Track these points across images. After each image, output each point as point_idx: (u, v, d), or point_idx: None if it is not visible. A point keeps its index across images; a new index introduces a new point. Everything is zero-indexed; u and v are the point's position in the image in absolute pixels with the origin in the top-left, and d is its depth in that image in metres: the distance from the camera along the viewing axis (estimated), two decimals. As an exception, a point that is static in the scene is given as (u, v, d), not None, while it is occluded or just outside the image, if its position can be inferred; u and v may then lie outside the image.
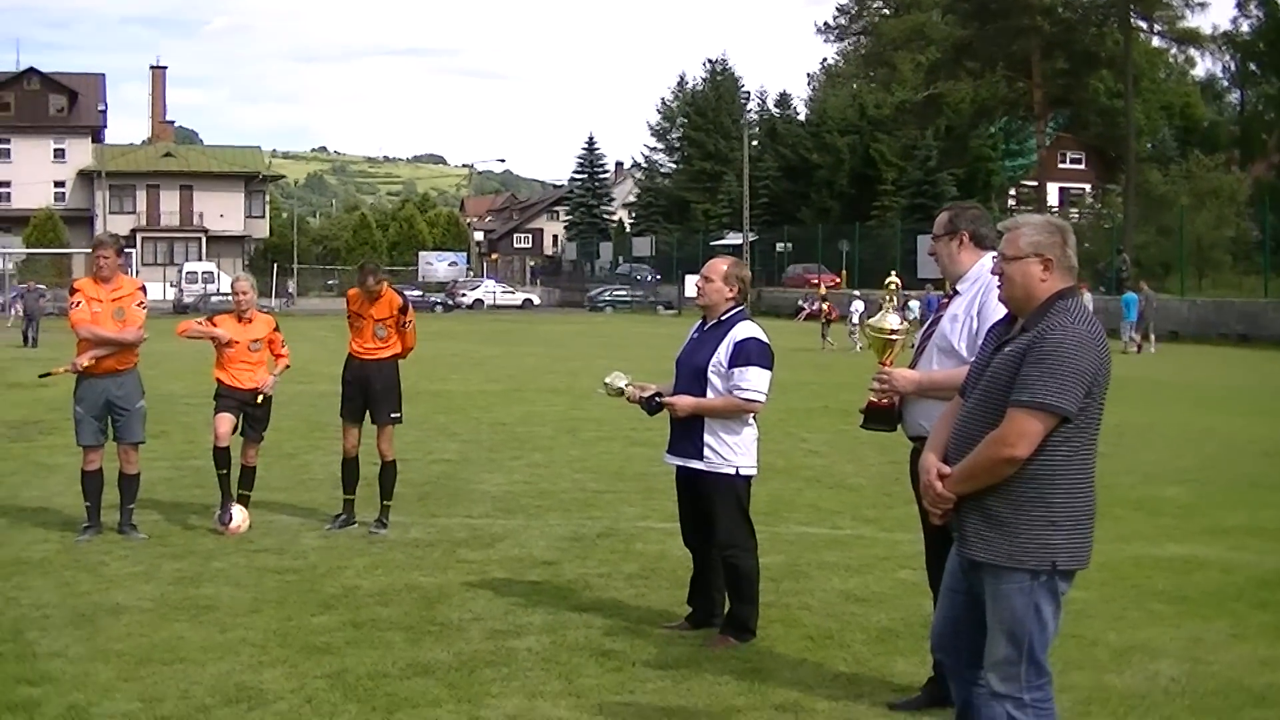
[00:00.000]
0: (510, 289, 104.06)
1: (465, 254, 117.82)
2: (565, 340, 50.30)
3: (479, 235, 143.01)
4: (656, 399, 8.71)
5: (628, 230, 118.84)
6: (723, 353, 8.44)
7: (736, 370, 8.37)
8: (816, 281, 67.45)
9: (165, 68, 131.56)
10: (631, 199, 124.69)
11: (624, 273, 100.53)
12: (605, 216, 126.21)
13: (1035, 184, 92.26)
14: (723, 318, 8.59)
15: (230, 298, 12.65)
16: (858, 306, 47.85)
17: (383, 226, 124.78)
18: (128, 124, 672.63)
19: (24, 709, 7.20)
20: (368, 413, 12.52)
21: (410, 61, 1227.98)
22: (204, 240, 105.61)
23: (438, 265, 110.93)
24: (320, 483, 13.27)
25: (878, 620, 9.14)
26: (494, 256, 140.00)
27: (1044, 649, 5.51)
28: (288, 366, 12.86)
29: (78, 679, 7.73)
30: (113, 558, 10.97)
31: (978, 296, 6.98)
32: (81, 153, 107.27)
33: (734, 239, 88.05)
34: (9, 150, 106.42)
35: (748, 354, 8.40)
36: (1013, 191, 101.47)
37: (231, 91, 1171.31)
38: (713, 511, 8.55)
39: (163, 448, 17.15)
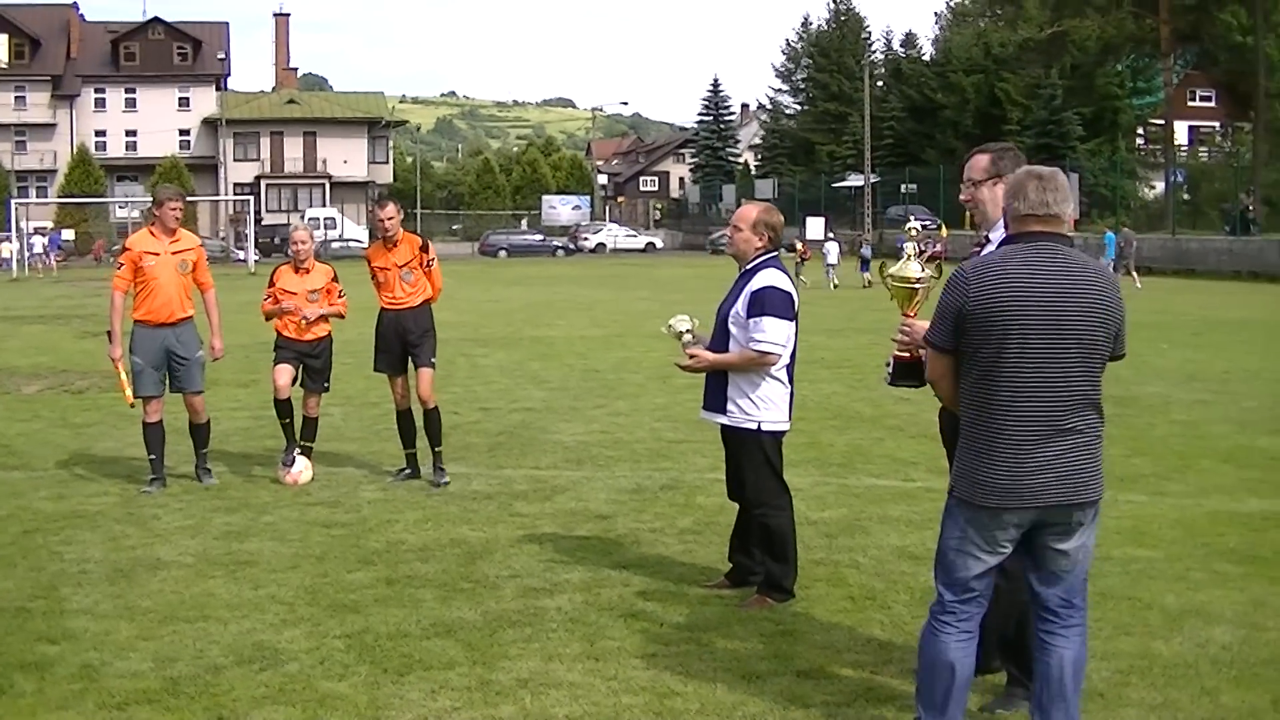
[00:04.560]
0: (633, 232, 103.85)
1: (589, 197, 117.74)
2: (680, 284, 50.04)
3: (605, 178, 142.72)
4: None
5: (752, 173, 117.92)
6: (741, 303, 8.16)
7: (752, 320, 8.07)
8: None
9: (288, 15, 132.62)
10: (757, 141, 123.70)
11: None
12: (731, 159, 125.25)
13: (1163, 122, 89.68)
14: (749, 266, 8.30)
15: (293, 248, 12.52)
16: (830, 248, 51.71)
17: (506, 170, 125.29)
18: (254, 72, 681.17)
19: (37, 668, 7.15)
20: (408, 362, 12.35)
21: (540, 3, 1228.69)
22: (327, 186, 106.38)
23: (561, 209, 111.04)
24: (396, 434, 13.15)
25: (926, 580, 8.77)
26: (620, 200, 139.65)
27: (942, 567, 5.73)
28: (340, 315, 12.69)
29: (98, 637, 7.68)
30: (167, 511, 10.98)
31: None
32: (206, 101, 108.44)
33: (856, 180, 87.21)
34: (135, 99, 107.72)
35: (763, 303, 8.06)
36: (1140, 130, 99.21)
37: (360, 36, 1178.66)
38: (741, 468, 8.33)
39: (247, 397, 17.21)
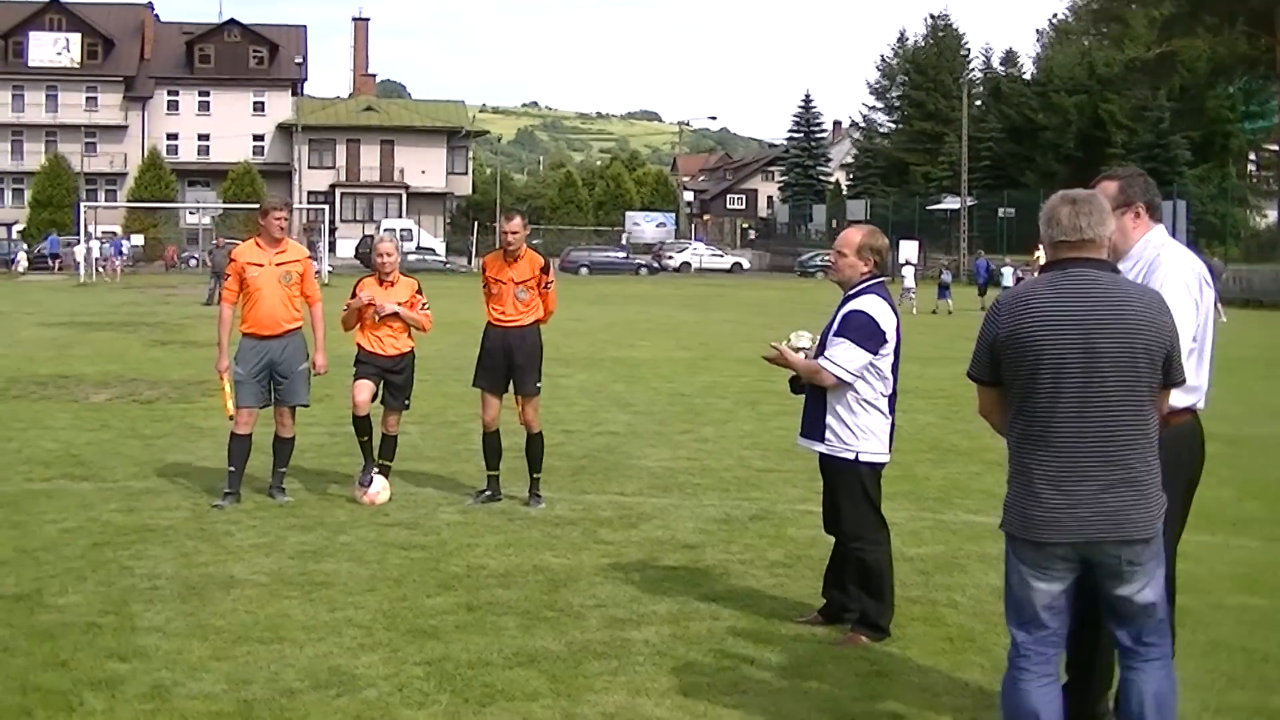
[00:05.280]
0: (719, 252, 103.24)
1: (674, 215, 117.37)
2: (767, 306, 49.71)
3: (690, 195, 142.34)
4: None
5: (844, 193, 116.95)
6: (837, 322, 8.02)
7: (833, 338, 7.96)
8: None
9: (368, 20, 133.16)
10: (849, 160, 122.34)
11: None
12: (821, 178, 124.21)
13: (1276, 147, 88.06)
14: (851, 291, 8.08)
15: (378, 260, 12.29)
16: (907, 272, 51.85)
17: (589, 185, 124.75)
18: (331, 77, 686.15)
19: (107, 686, 6.98)
20: (510, 383, 12.05)
21: (626, 13, 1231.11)
22: (404, 196, 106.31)
23: (645, 226, 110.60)
24: (475, 454, 12.86)
25: (1027, 622, 8.47)
26: (705, 218, 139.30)
27: (1011, 608, 5.62)
28: (422, 327, 12.41)
29: (170, 656, 7.50)
30: (240, 528, 10.79)
31: (1140, 277, 6.22)
32: (281, 106, 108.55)
33: (952, 203, 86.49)
34: (209, 103, 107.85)
35: (847, 326, 7.93)
36: (1252, 156, 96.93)
37: (441, 44, 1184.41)
38: (837, 499, 8.11)
39: (323, 413, 16.96)
